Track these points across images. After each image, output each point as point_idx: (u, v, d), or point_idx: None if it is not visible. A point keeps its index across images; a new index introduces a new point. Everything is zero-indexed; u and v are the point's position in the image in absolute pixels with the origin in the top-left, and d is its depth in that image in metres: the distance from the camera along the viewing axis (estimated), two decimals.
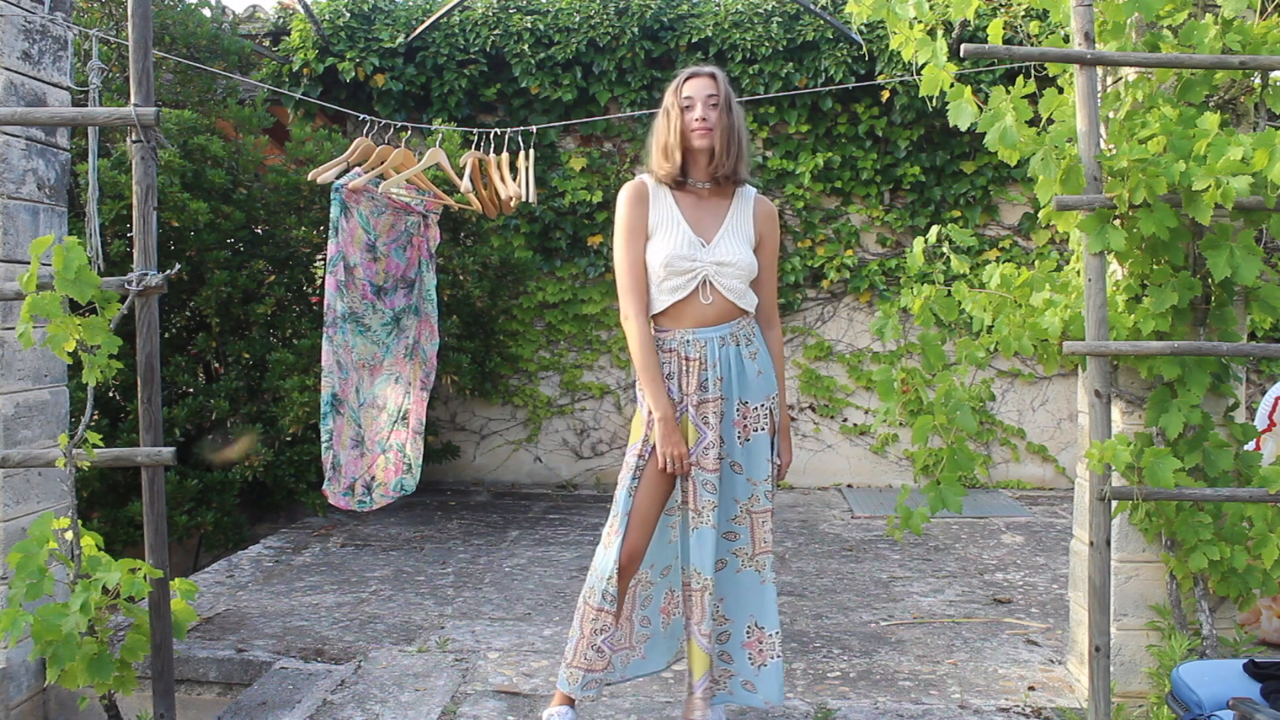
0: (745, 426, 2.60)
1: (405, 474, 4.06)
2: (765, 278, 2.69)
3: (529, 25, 5.94)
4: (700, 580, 2.55)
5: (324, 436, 3.72)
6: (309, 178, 3.95)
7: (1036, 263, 3.04)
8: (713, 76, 2.60)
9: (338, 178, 3.77)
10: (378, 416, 4.03)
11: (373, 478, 3.97)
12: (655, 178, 2.66)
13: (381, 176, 3.90)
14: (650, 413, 2.55)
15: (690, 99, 2.57)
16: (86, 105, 3.05)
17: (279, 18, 6.19)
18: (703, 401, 2.55)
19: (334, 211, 3.70)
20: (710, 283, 2.57)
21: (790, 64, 5.93)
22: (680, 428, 2.55)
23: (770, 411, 2.64)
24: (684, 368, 2.57)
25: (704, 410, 2.55)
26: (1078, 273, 2.87)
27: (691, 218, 2.62)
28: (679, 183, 2.63)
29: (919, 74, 2.84)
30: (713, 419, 2.55)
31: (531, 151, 4.31)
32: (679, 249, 2.56)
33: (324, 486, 3.75)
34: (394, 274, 4.04)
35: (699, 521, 2.55)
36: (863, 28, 5.71)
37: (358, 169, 3.85)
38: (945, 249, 3.08)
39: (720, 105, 2.59)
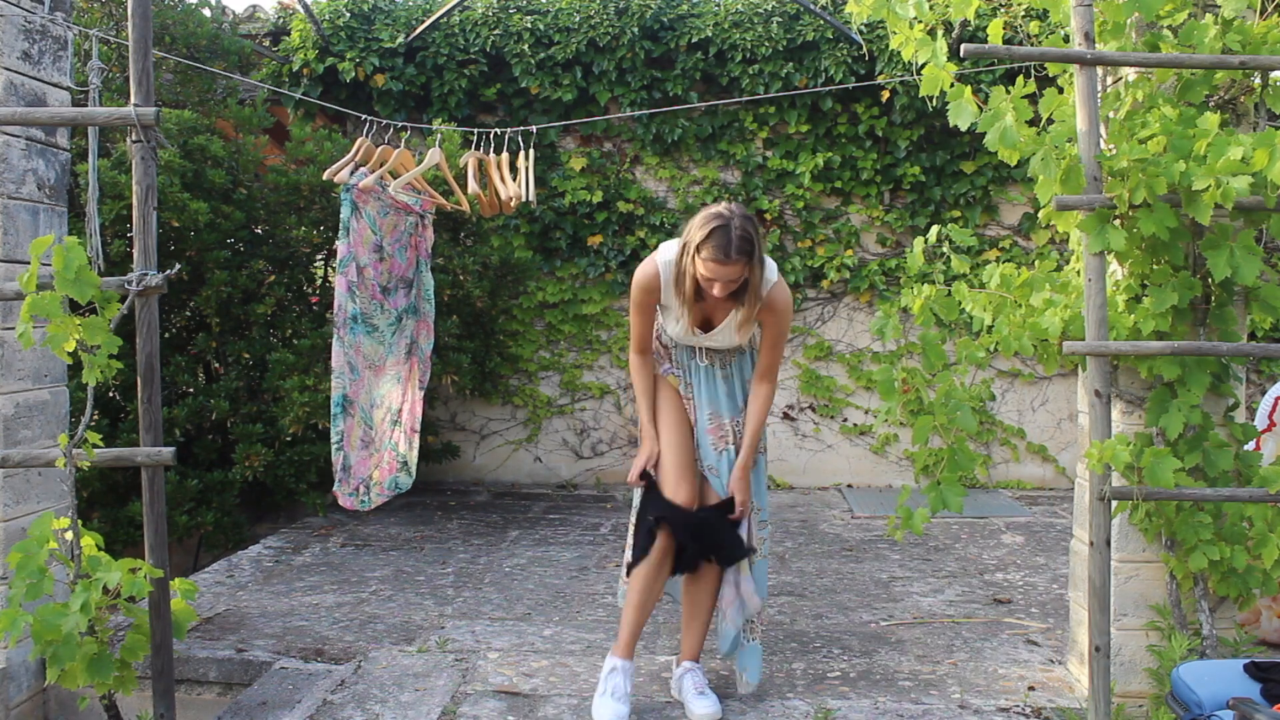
0: (721, 437, 2.90)
1: (400, 472, 4.07)
2: (766, 352, 2.87)
3: (529, 25, 5.93)
4: None
5: (334, 438, 3.72)
6: (325, 176, 3.95)
7: (1036, 263, 3.04)
8: (741, 265, 2.58)
9: (350, 176, 3.78)
10: (384, 417, 4.04)
11: (370, 476, 3.98)
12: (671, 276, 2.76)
13: (393, 174, 3.91)
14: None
15: (710, 280, 2.62)
16: (86, 105, 3.05)
17: (279, 18, 6.19)
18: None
19: (345, 212, 3.70)
20: (704, 349, 2.91)
21: (790, 64, 5.93)
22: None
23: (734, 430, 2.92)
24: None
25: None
26: (1078, 273, 2.86)
27: (696, 311, 2.81)
28: None
29: (919, 74, 2.84)
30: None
31: (531, 151, 4.31)
32: (680, 335, 2.86)
33: (335, 488, 3.76)
34: (396, 274, 4.05)
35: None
36: (863, 28, 5.71)
37: (364, 169, 3.86)
38: (945, 249, 3.09)
39: (739, 281, 2.64)
